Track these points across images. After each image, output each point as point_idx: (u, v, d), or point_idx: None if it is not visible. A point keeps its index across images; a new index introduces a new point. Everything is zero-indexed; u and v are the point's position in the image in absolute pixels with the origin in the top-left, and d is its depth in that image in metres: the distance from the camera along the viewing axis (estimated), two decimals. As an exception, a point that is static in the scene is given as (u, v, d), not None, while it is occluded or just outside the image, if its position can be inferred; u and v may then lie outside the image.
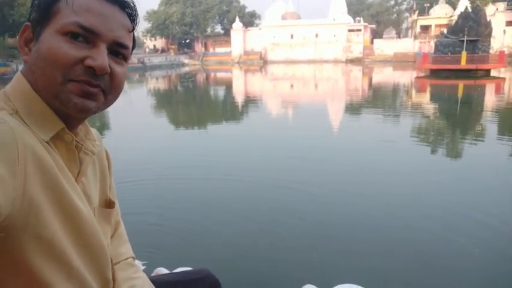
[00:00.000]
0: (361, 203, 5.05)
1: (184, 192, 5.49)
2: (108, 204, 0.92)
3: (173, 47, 68.42)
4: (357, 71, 40.32)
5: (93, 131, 0.89)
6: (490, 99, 17.34)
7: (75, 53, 0.69)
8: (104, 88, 0.74)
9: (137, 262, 3.03)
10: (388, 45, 57.04)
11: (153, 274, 2.33)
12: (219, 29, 74.67)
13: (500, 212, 4.67)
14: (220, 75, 40.62)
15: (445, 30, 32.95)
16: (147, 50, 68.96)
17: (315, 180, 5.96)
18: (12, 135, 0.63)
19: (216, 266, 3.36)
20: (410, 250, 3.75)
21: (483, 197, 5.25)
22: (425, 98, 18.68)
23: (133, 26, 0.78)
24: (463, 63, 26.98)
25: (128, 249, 1.01)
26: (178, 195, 5.39)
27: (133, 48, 0.82)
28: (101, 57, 0.70)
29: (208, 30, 71.68)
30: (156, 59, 56.08)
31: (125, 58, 0.78)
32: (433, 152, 8.19)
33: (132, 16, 0.77)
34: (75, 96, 0.71)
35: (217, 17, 71.53)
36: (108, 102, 0.77)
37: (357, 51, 58.68)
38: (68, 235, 0.71)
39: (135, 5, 0.78)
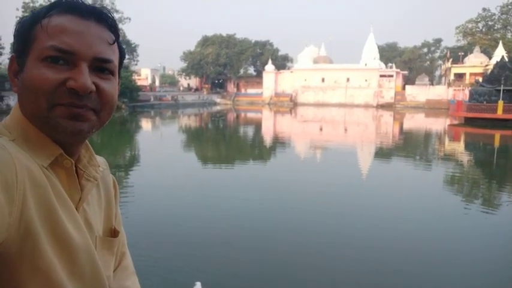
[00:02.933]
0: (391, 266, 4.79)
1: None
2: (113, 233, 0.88)
3: (206, 86, 70.63)
4: (387, 116, 39.96)
5: (99, 158, 0.87)
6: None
7: (55, 77, 0.68)
8: (93, 107, 0.71)
9: None
10: (421, 92, 56.58)
11: None
12: (251, 70, 76.81)
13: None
14: (250, 115, 41.25)
15: (480, 79, 32.45)
16: (181, 88, 71.47)
17: (338, 228, 5.76)
18: (11, 160, 0.62)
19: None
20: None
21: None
22: (459, 147, 18.12)
23: (114, 37, 0.75)
24: (500, 113, 26.25)
25: (133, 282, 0.95)
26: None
27: (122, 59, 0.80)
28: (82, 77, 0.68)
29: (241, 71, 73.83)
30: (189, 97, 57.93)
31: (112, 72, 0.75)
32: (466, 206, 7.78)
33: (112, 27, 0.75)
34: (64, 119, 0.69)
35: (250, 59, 73.81)
36: (102, 120, 0.75)
37: (388, 97, 58.46)
38: (63, 265, 0.68)
39: (112, 15, 0.75)
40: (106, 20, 0.73)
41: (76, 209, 0.74)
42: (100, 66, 0.72)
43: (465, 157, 14.79)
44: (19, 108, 0.73)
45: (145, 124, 27.98)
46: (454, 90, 53.34)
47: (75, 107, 0.69)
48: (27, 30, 0.71)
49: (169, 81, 78.28)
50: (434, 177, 10.36)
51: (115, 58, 0.76)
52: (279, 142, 18.35)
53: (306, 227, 5.82)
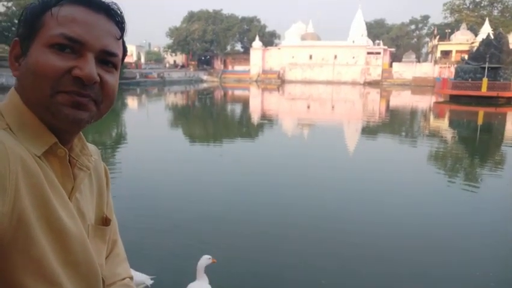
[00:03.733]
0: (370, 228, 4.92)
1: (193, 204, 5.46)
2: (104, 222, 0.88)
3: (193, 63, 69.61)
4: (374, 94, 40.17)
5: (91, 146, 0.87)
6: (511, 128, 16.96)
7: (62, 64, 0.68)
8: (95, 98, 0.72)
9: (145, 277, 2.98)
10: (407, 69, 56.82)
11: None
12: (238, 47, 75.85)
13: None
14: (237, 92, 41.01)
15: (466, 56, 32.71)
16: (167, 65, 70.31)
17: (325, 203, 5.87)
18: (3, 149, 0.62)
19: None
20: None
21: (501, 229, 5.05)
22: (444, 124, 18.40)
23: (121, 33, 0.76)
24: (484, 90, 26.61)
25: (125, 269, 0.96)
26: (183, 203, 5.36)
27: (124, 55, 0.81)
28: (88, 67, 0.69)
29: (228, 48, 72.84)
30: (176, 75, 57.07)
31: (115, 66, 0.76)
32: (450, 181, 7.97)
33: (120, 23, 0.76)
34: (66, 107, 0.69)
35: (237, 36, 72.77)
36: (101, 112, 0.75)
37: (375, 74, 58.61)
38: (57, 254, 0.69)
39: (121, 12, 0.76)
40: (115, 16, 0.75)
41: (69, 198, 0.75)
42: (105, 59, 0.73)
43: (449, 134, 15.05)
44: (17, 93, 0.73)
45: (131, 102, 27.60)
46: (440, 67, 53.67)
47: (78, 95, 0.70)
48: (36, 16, 0.70)
49: (155, 58, 76.80)
50: (418, 154, 10.55)
51: (120, 53, 0.77)
52: (267, 121, 18.37)
53: (295, 205, 5.91)
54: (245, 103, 28.89)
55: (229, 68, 70.07)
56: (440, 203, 6.12)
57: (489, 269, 3.91)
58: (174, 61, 73.98)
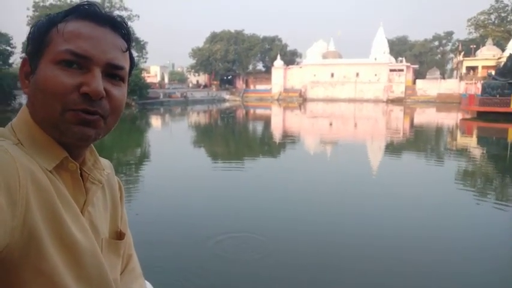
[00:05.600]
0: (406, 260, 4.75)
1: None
2: (119, 236, 0.88)
3: (215, 82, 70.70)
4: (398, 111, 39.60)
5: (104, 161, 0.87)
6: (543, 144, 16.31)
7: (70, 81, 0.68)
8: (102, 113, 0.72)
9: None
10: (432, 86, 55.91)
11: None
12: (260, 66, 76.66)
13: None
14: (259, 111, 41.23)
15: (492, 72, 31.90)
16: (190, 85, 71.66)
17: (348, 225, 5.73)
18: (13, 164, 0.62)
19: None
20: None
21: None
22: (472, 141, 17.87)
23: (127, 45, 0.76)
24: (513, 106, 25.80)
25: (140, 284, 0.95)
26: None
27: (131, 68, 0.81)
28: (95, 82, 0.69)
29: (250, 67, 73.74)
30: (198, 94, 58.07)
31: (122, 79, 0.76)
32: (480, 200, 7.67)
33: (125, 35, 0.76)
34: (74, 125, 0.70)
35: (259, 55, 73.66)
36: (108, 126, 0.76)
37: (398, 91, 57.91)
38: (68, 269, 0.68)
39: (127, 24, 0.77)
40: (121, 29, 0.75)
41: (81, 212, 0.74)
42: (112, 73, 0.74)
43: (478, 151, 14.58)
44: (27, 109, 0.74)
45: (155, 121, 28.13)
46: (466, 83, 52.55)
47: (87, 113, 0.70)
48: (43, 33, 0.71)
49: (179, 78, 78.50)
50: (446, 172, 10.23)
51: (127, 65, 0.77)
52: (289, 139, 18.31)
53: (320, 224, 5.79)
54: (267, 121, 28.97)
55: (251, 87, 70.74)
56: (470, 224, 5.88)
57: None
58: (197, 81, 75.34)
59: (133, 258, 0.96)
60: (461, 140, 18.15)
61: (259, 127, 25.09)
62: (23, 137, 0.71)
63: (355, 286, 3.94)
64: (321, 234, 5.31)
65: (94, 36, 0.71)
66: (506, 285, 3.97)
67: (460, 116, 30.94)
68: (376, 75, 59.17)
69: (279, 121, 29.73)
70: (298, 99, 60.42)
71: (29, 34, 0.74)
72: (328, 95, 60.84)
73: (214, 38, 71.29)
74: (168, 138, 19.03)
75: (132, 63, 0.81)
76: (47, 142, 0.71)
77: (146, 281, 1.02)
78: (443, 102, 50.51)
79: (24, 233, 0.62)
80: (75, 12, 0.72)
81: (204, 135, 20.38)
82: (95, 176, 0.79)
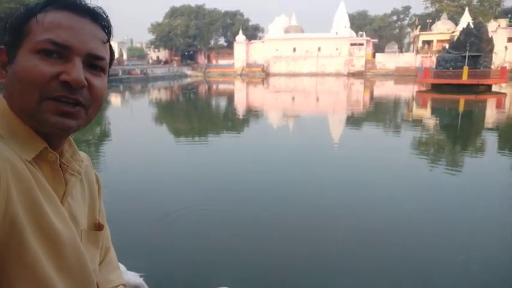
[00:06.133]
0: (355, 214, 5.00)
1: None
2: (97, 227, 0.89)
3: (176, 58, 68.96)
4: (358, 84, 40.49)
5: (82, 153, 0.87)
6: (490, 114, 17.33)
7: (49, 69, 0.68)
8: (83, 102, 0.72)
9: (133, 274, 2.96)
10: (390, 60, 57.37)
11: None
12: (222, 41, 75.33)
13: (494, 222, 4.62)
14: (222, 86, 40.85)
15: (447, 46, 33.12)
16: (150, 61, 69.51)
17: (313, 193, 5.93)
18: None
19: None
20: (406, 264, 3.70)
21: (482, 214, 5.19)
22: (426, 112, 18.68)
23: (107, 36, 0.77)
24: (465, 78, 27.05)
25: (118, 276, 0.97)
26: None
27: (112, 60, 0.81)
28: (75, 71, 0.69)
29: (212, 42, 72.32)
30: (159, 70, 56.46)
31: (103, 70, 0.76)
32: (432, 167, 8.12)
33: (106, 27, 0.76)
34: (52, 115, 0.69)
35: (220, 30, 72.27)
36: (89, 117, 0.76)
37: (358, 65, 59.02)
38: (50, 260, 0.68)
39: (107, 15, 0.77)
40: (101, 20, 0.75)
41: (61, 203, 0.74)
42: (93, 63, 0.74)
43: (431, 122, 15.29)
44: (4, 100, 0.73)
45: (115, 99, 27.23)
46: (422, 57, 54.36)
47: (65, 101, 0.69)
48: (22, 23, 0.70)
49: (138, 54, 75.73)
50: (402, 141, 10.71)
51: (107, 56, 0.77)
52: (252, 114, 18.37)
53: (284, 194, 5.95)
54: (230, 97, 28.80)
55: (213, 62, 69.65)
56: (424, 187, 6.25)
57: (474, 248, 4.02)
58: (157, 57, 73.14)
59: (110, 250, 0.98)
60: (417, 112, 18.93)
61: (223, 103, 24.94)
62: (1, 128, 0.70)
63: (316, 253, 4.12)
64: (284, 204, 5.47)
65: (74, 27, 0.70)
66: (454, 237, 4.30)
67: (416, 88, 32.10)
68: (337, 49, 59.83)
69: (243, 96, 29.64)
70: (261, 74, 60.25)
71: (6, 24, 0.73)
72: (290, 70, 61.03)
73: (174, 12, 69.01)
74: (129, 115, 18.55)
75: (112, 55, 0.81)
76: (25, 133, 0.71)
77: (120, 264, 1.04)
78: (401, 75, 52.10)
79: (6, 225, 0.61)
80: (54, 3, 0.71)
81: (166, 112, 20.03)
82: (73, 168, 0.79)
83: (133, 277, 2.84)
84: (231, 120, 16.32)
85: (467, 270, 3.58)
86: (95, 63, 0.74)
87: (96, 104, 0.75)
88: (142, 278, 2.93)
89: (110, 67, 0.81)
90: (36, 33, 0.69)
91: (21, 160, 0.67)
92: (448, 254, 3.89)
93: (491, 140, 11.14)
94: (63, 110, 0.69)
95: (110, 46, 0.79)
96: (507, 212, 5.16)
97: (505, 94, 25.75)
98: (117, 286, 0.95)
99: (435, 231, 4.52)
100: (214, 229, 4.59)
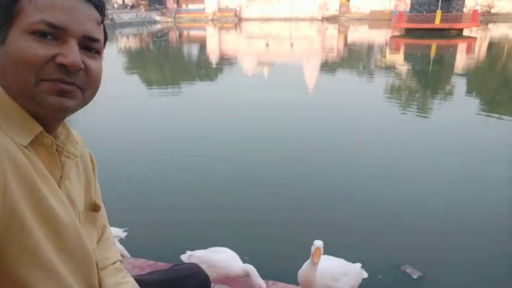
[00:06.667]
0: (330, 162, 5.18)
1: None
2: (94, 208, 0.90)
3: (143, 2, 65.15)
4: (332, 30, 39.91)
5: (75, 133, 0.86)
6: (460, 59, 17.63)
7: (45, 52, 0.67)
8: (79, 85, 0.71)
9: (117, 230, 3.01)
10: (365, 3, 56.21)
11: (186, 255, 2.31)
12: (191, -17, 71.41)
13: (456, 166, 4.91)
14: (193, 33, 39.41)
15: (421, -12, 32.66)
16: (115, 5, 65.52)
17: (289, 143, 6.04)
18: None
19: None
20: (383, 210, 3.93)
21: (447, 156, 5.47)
22: (399, 58, 18.81)
23: (101, 17, 0.75)
24: (437, 23, 27.06)
25: (115, 252, 1.00)
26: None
27: (105, 41, 0.80)
28: (72, 54, 0.68)
29: (181, -16, 68.47)
30: (126, 16, 53.44)
31: (98, 52, 0.75)
32: (403, 112, 8.36)
33: (100, 7, 0.74)
34: (50, 95, 0.68)
35: (189, -29, 68.22)
36: (86, 99, 0.75)
37: (333, 9, 57.64)
38: (50, 243, 0.69)
39: None
40: (95, 0, 0.73)
41: (58, 186, 0.75)
42: (88, 45, 0.72)
43: (403, 67, 15.47)
44: None
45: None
46: (397, 0, 53.57)
47: (62, 83, 0.69)
48: (12, 2, 0.68)
49: (101, -3, 71.11)
50: (375, 87, 10.87)
51: (102, 38, 0.75)
52: (226, 61, 17.99)
53: (260, 141, 6.04)
54: (202, 44, 27.92)
55: (183, 6, 66.31)
56: (396, 132, 6.48)
57: (439, 191, 4.30)
58: (123, 1, 68.92)
59: (107, 228, 1.00)
60: (390, 57, 19.03)
61: (195, 50, 24.20)
62: None
63: (295, 204, 4.29)
64: (259, 151, 5.58)
65: (69, 7, 0.68)
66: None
67: (390, 33, 31.99)
68: (311, -8, 58.03)
69: (215, 43, 28.80)
70: (233, 19, 58.15)
71: None
72: (264, 15, 59.08)
73: (137, -50, 64.23)
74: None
75: (106, 37, 0.79)
76: (21, 116, 0.69)
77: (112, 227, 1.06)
78: (375, 20, 51.45)
79: (5, 211, 0.62)
80: None
81: (137, 62, 19.34)
82: (69, 150, 0.79)
83: (118, 232, 2.92)
84: (205, 69, 15.97)
85: (434, 215, 3.85)
86: (90, 45, 0.72)
87: (93, 87, 0.75)
88: (126, 233, 3.03)
89: (103, 48, 0.79)
90: (28, 13, 0.67)
91: (16, 146, 0.66)
92: (418, 200, 4.15)
93: (459, 84, 11.45)
94: (61, 88, 0.69)
95: (104, 27, 0.78)
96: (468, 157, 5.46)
97: (475, 38, 26.07)
98: (114, 262, 0.98)
99: (406, 177, 4.77)
100: (193, 179, 4.68)
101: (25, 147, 0.69)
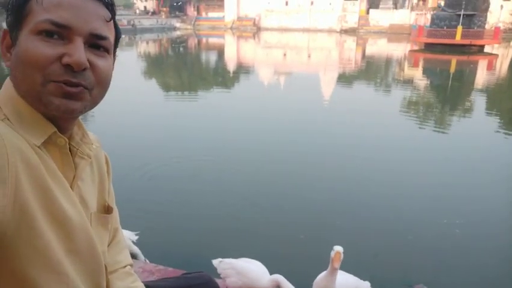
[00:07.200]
0: (351, 176, 5.13)
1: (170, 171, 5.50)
2: (106, 210, 0.89)
3: (164, 9, 66.34)
4: (350, 42, 39.84)
5: (91, 135, 0.86)
6: (481, 76, 17.37)
7: (50, 52, 0.66)
8: (86, 85, 0.70)
9: (129, 233, 3.02)
10: (384, 16, 56.06)
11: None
12: (212, -8, 72.40)
13: (480, 185, 4.80)
14: (212, 40, 39.80)
15: (442, 3, 32.44)
16: (137, 11, 66.80)
17: (305, 152, 6.01)
18: (1, 141, 0.62)
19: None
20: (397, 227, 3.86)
21: (469, 174, 5.36)
22: (417, 73, 18.63)
23: (111, 14, 0.74)
24: (458, 38, 26.75)
25: (126, 256, 0.99)
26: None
27: (118, 38, 0.79)
28: (77, 53, 0.67)
29: (201, -7, 69.48)
30: (147, 22, 54.44)
31: (107, 50, 0.74)
32: (421, 128, 8.24)
33: (109, 5, 0.73)
34: (56, 97, 0.68)
35: (210, -20, 69.24)
36: (95, 99, 0.74)
37: (352, 21, 57.63)
38: (60, 243, 0.69)
39: None
40: None
41: (71, 187, 0.75)
42: (96, 43, 0.71)
43: (422, 82, 15.31)
44: (11, 83, 0.71)
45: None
46: (417, 14, 53.22)
47: (69, 85, 0.68)
48: (22, 3, 0.68)
49: (124, 3, 72.59)
50: (392, 101, 10.76)
51: (111, 36, 0.74)
52: (243, 70, 18.09)
53: (275, 149, 6.03)
54: (221, 52, 28.18)
55: (203, 14, 67.21)
56: (413, 147, 6.39)
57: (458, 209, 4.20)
58: (145, 7, 70.17)
59: (119, 231, 0.98)
60: (408, 72, 18.86)
61: (213, 57, 24.43)
62: (9, 112, 0.69)
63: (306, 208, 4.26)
64: (274, 161, 5.56)
65: (75, 5, 0.68)
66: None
67: (409, 47, 31.76)
68: (330, 4, 58.07)
69: (233, 51, 29.02)
70: (252, 29, 58.63)
71: (8, 5, 0.70)
72: (282, 25, 59.43)
73: (161, -42, 65.56)
74: (116, 69, 18.12)
75: (118, 34, 0.78)
76: (34, 117, 0.70)
77: (124, 230, 1.05)
78: (395, 33, 51.22)
79: (16, 211, 0.62)
80: None
81: (156, 67, 19.61)
82: (83, 151, 0.79)
83: (130, 235, 2.94)
84: (222, 76, 16.08)
85: (449, 233, 3.76)
86: (98, 43, 0.71)
87: (101, 86, 0.74)
88: (137, 237, 3.04)
89: (116, 46, 0.79)
90: (36, 14, 0.67)
91: (29, 146, 0.67)
92: (433, 217, 4.06)
93: (479, 101, 11.25)
94: (66, 91, 0.68)
95: (115, 24, 0.77)
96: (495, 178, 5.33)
97: (496, 55, 25.68)
98: (125, 266, 0.97)
99: (421, 194, 4.69)
100: (206, 184, 4.68)
101: (38, 147, 0.68)
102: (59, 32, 0.67)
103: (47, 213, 0.67)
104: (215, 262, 2.34)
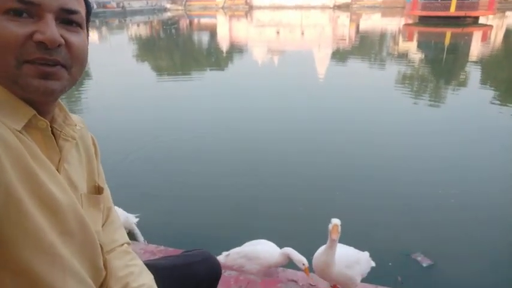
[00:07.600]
0: (348, 151, 5.15)
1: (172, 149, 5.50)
2: (97, 190, 0.89)
3: (154, -10, 64.94)
4: (344, 18, 39.36)
5: (75, 116, 0.85)
6: (475, 48, 17.26)
7: (21, 31, 0.64)
8: (63, 62, 0.68)
9: (130, 216, 3.05)
10: (378, -10, 55.23)
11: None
12: (202, -30, 70.78)
13: (471, 155, 4.84)
14: (204, 21, 39.19)
15: (436, -26, 31.93)
16: (126, -7, 65.34)
17: (301, 129, 6.02)
18: None
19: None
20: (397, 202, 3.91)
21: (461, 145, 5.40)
22: (412, 47, 18.50)
23: None
24: (453, 10, 26.50)
25: (122, 235, 0.98)
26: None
27: (89, 12, 0.77)
28: (48, 29, 0.65)
29: (191, -28, 67.93)
30: (137, 4, 53.42)
31: (80, 25, 0.72)
32: (416, 101, 8.25)
33: None
34: (34, 78, 0.66)
35: (200, -42, 67.58)
36: (74, 77, 0.72)
37: (345, -3, 56.79)
38: (52, 225, 0.69)
39: None
40: None
41: (57, 170, 0.73)
42: (67, 18, 0.69)
43: (416, 56, 15.22)
44: None
45: (91, 35, 26.03)
46: (411, -13, 52.48)
47: (45, 64, 0.66)
48: None
49: (112, -15, 70.95)
50: (387, 75, 10.72)
51: (82, 10, 0.72)
52: (236, 49, 17.90)
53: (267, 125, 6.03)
54: (213, 32, 27.79)
55: (194, -6, 65.97)
56: (408, 121, 6.41)
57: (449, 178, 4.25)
58: (134, -12, 68.67)
59: (112, 210, 0.98)
60: (402, 46, 18.71)
61: (205, 38, 24.11)
62: None
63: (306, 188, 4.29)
64: (269, 139, 5.57)
65: None
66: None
67: (403, 21, 31.42)
68: (323, -21, 57.09)
69: (226, 31, 28.64)
70: (244, 7, 57.66)
71: None
72: (274, 3, 58.41)
73: None
74: (109, 53, 17.88)
75: (89, 8, 0.76)
76: (12, 101, 0.67)
77: (118, 208, 1.05)
78: (388, 8, 50.58)
79: (1, 194, 0.60)
80: None
81: (147, 49, 19.35)
82: (67, 133, 0.77)
83: (131, 218, 2.97)
84: (215, 56, 15.92)
85: (445, 204, 3.82)
86: (69, 18, 0.69)
87: (78, 63, 0.72)
88: (137, 219, 3.07)
89: (88, 21, 0.77)
90: None
91: (10, 131, 0.65)
92: (428, 188, 4.11)
93: (473, 73, 11.23)
94: (43, 71, 0.66)
95: None
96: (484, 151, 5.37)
97: (490, 26, 25.47)
98: (122, 244, 0.97)
99: (416, 166, 4.73)
100: (201, 162, 4.70)
101: (19, 131, 0.67)
102: (27, 10, 0.65)
103: (34, 197, 0.66)
104: (221, 258, 2.33)
